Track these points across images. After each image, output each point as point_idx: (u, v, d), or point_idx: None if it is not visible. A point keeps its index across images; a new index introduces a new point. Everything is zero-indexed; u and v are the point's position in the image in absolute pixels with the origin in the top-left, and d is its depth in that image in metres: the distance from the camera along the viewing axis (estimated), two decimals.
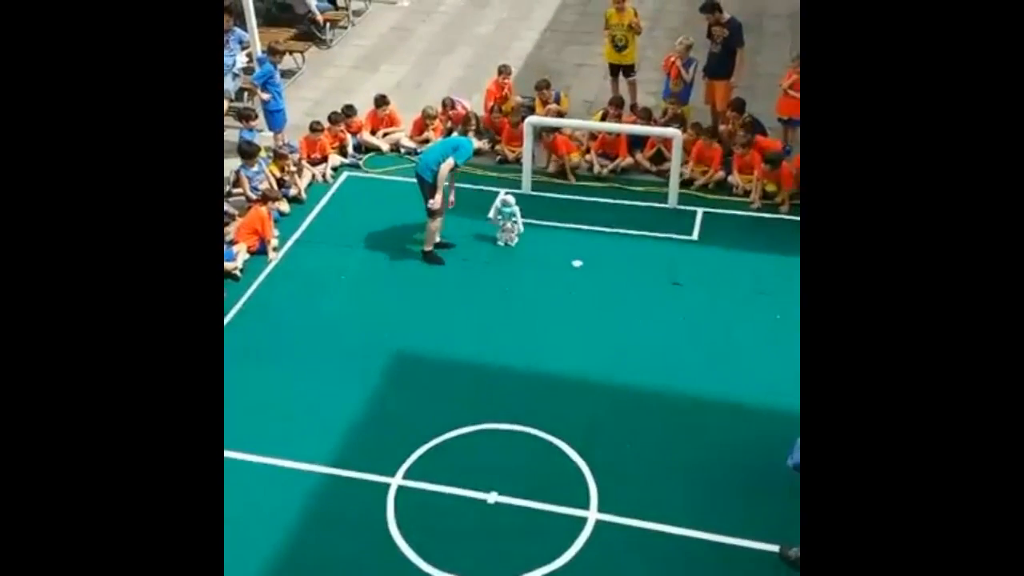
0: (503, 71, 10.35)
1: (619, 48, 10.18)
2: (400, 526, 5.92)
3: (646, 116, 9.81)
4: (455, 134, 9.55)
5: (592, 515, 5.96)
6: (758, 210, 9.03)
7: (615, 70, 10.43)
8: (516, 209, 8.52)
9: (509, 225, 8.56)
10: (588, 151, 9.78)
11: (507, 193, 8.74)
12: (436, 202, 8.09)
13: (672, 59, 9.90)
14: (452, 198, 8.43)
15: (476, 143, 8.61)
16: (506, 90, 10.33)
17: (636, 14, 10.19)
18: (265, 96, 9.68)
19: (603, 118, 9.90)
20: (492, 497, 6.09)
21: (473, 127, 9.74)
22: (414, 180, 8.79)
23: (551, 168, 9.62)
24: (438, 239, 8.46)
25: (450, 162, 8.02)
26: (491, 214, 8.66)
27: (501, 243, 8.60)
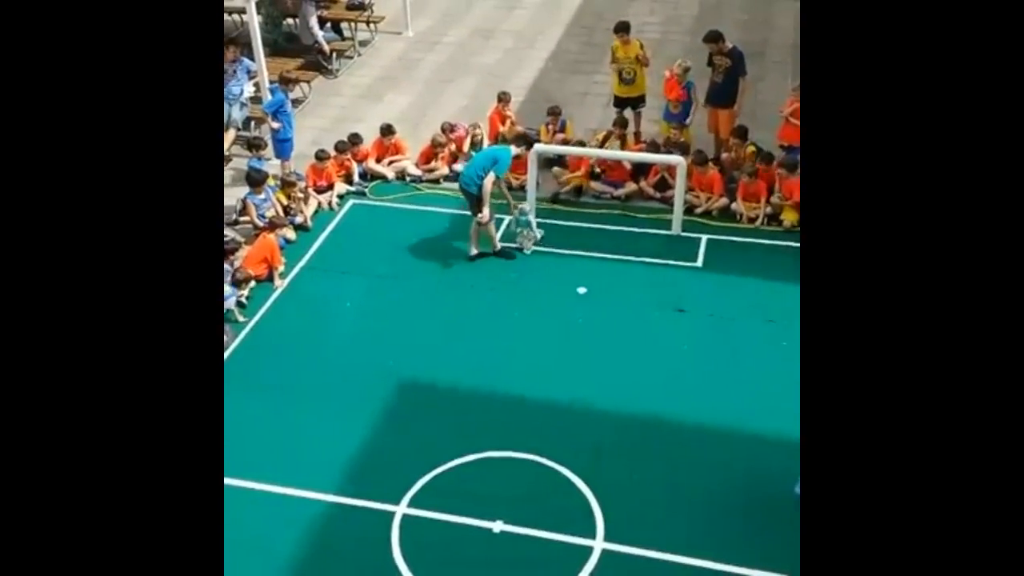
0: (503, 98, 10.42)
1: (627, 81, 10.22)
2: (405, 555, 5.89)
3: (653, 147, 9.85)
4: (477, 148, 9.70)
5: (598, 544, 5.92)
6: (760, 225, 9.12)
7: (622, 104, 10.38)
8: (531, 217, 8.92)
9: (526, 232, 8.90)
10: (593, 175, 9.84)
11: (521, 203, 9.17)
12: (485, 216, 8.57)
13: (670, 73, 10.00)
14: (486, 212, 8.64)
15: (515, 151, 8.85)
16: (507, 117, 10.39)
17: (642, 46, 10.22)
18: (275, 125, 9.77)
19: (605, 139, 9.96)
20: (497, 526, 6.06)
21: (484, 142, 9.85)
22: (419, 208, 8.91)
23: (567, 188, 9.72)
24: (499, 246, 8.90)
25: (491, 177, 8.46)
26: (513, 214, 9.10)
27: (517, 246, 8.95)
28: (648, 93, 10.41)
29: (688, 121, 10.07)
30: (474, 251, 8.79)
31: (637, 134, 10.45)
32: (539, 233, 9.02)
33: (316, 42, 12.61)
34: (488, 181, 8.43)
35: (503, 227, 9.16)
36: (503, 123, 10.39)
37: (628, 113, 10.44)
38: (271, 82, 10.24)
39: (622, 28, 10.08)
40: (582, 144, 10.01)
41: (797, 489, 6.03)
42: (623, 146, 9.92)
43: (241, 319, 8.04)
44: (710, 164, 9.55)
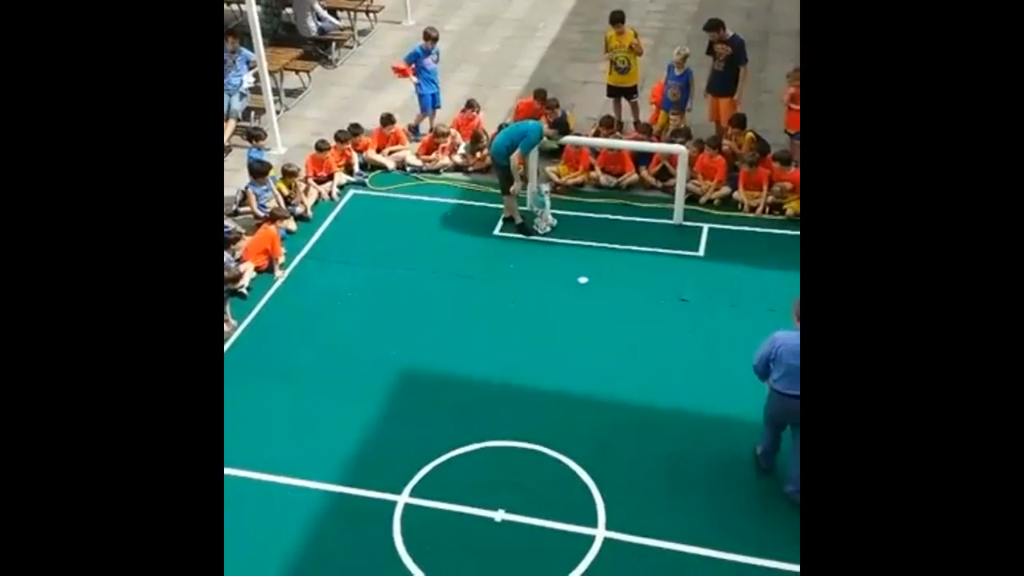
0: (538, 96, 10.11)
1: (621, 70, 10.21)
2: (407, 544, 5.90)
3: (647, 132, 9.86)
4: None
5: (600, 533, 5.93)
6: (761, 213, 9.11)
7: (616, 92, 10.40)
8: (547, 199, 8.99)
9: (542, 212, 9.00)
10: (592, 167, 9.82)
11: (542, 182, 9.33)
12: (517, 188, 8.82)
13: (658, 86, 10.20)
14: (517, 186, 8.86)
15: (547, 129, 8.93)
16: (544, 113, 10.13)
17: (636, 35, 10.22)
18: (414, 79, 10.39)
19: (595, 137, 9.91)
20: (499, 515, 6.07)
21: (484, 144, 9.82)
22: (419, 198, 8.85)
23: (570, 181, 9.70)
24: (519, 219, 9.03)
25: (517, 153, 8.64)
26: (528, 200, 9.22)
27: (534, 226, 9.02)
28: (650, 81, 10.37)
29: (689, 108, 10.05)
30: (518, 219, 8.98)
31: (636, 123, 10.41)
32: (553, 221, 9.05)
33: (317, 30, 12.56)
34: (515, 156, 8.61)
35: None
36: (537, 116, 10.05)
37: (624, 103, 10.43)
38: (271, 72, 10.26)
39: (617, 19, 10.08)
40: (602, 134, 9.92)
41: (788, 488, 6.01)
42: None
43: (232, 321, 7.94)
44: (718, 149, 9.52)
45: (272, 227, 8.68)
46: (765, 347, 5.92)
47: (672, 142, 9.56)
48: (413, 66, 10.44)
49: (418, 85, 10.50)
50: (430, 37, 10.55)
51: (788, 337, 5.80)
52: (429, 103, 10.62)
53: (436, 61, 10.66)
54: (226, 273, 7.96)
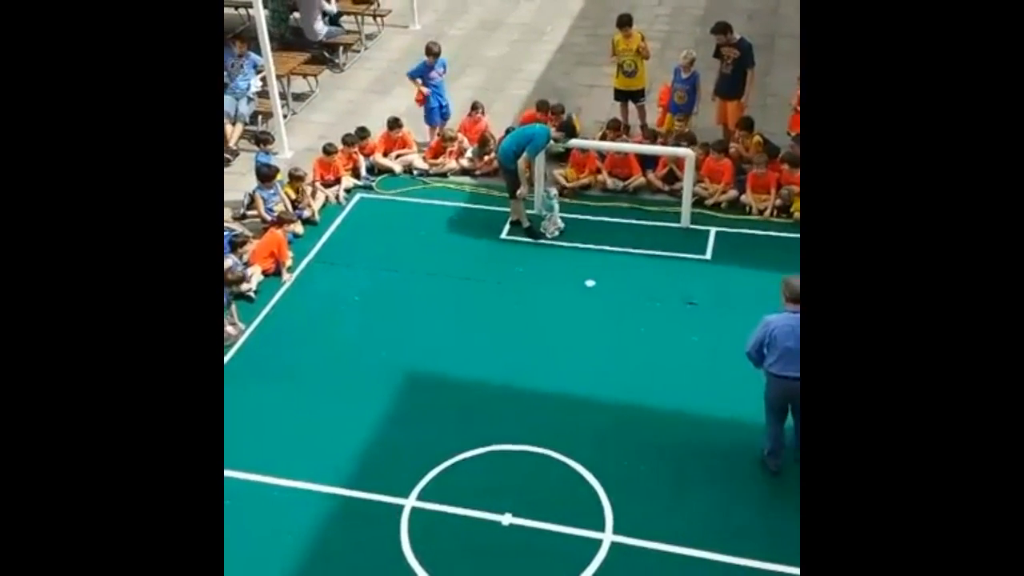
0: (541, 108, 10.02)
1: (628, 74, 10.21)
2: (414, 548, 5.89)
3: (652, 137, 9.85)
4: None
5: (607, 537, 5.91)
6: (769, 216, 9.11)
7: (623, 96, 10.41)
8: (555, 203, 8.97)
9: (551, 216, 8.99)
10: (599, 171, 9.82)
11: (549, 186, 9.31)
12: (523, 192, 8.82)
13: (665, 89, 10.20)
14: (524, 189, 8.86)
15: (554, 132, 8.91)
16: (549, 119, 10.10)
17: (644, 38, 10.21)
18: (424, 91, 10.32)
19: (601, 140, 9.91)
20: (507, 519, 6.06)
21: (491, 148, 9.83)
22: (426, 201, 8.84)
23: (577, 185, 9.70)
24: (526, 223, 9.02)
25: (524, 157, 8.60)
26: (536, 204, 9.16)
27: (542, 230, 8.95)
28: (657, 84, 10.35)
29: (695, 111, 10.03)
30: (526, 223, 8.97)
31: (643, 127, 10.40)
32: (561, 224, 9.03)
33: (323, 35, 12.60)
34: (521, 161, 8.56)
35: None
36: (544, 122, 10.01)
37: (631, 107, 10.43)
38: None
39: (625, 22, 10.07)
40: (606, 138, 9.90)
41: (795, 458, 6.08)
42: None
43: (239, 325, 7.93)
44: (724, 152, 9.51)
45: (279, 231, 8.69)
46: (759, 331, 5.92)
47: (677, 146, 9.55)
48: (421, 80, 10.40)
49: (427, 99, 10.44)
50: (432, 52, 10.43)
51: (780, 319, 5.82)
52: (437, 115, 10.54)
53: (442, 74, 10.59)
54: (232, 276, 7.97)
